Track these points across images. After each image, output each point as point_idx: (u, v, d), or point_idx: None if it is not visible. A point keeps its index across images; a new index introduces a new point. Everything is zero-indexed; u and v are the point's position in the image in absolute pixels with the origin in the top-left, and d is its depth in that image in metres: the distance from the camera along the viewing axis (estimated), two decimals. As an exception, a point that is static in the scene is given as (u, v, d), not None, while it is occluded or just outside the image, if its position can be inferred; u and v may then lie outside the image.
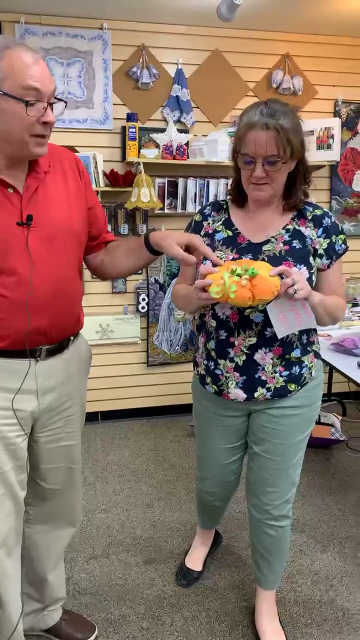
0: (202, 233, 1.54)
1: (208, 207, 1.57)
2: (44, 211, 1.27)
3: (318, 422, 2.96)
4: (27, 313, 1.24)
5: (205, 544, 2.06)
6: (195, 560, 2.02)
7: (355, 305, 3.03)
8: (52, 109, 1.19)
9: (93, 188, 3.06)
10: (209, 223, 1.54)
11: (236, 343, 1.45)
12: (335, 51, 3.24)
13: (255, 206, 1.48)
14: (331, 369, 3.15)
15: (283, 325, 1.36)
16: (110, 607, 1.87)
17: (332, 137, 3.10)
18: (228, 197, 1.57)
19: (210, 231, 1.52)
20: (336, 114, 3.31)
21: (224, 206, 1.56)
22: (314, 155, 3.17)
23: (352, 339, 2.36)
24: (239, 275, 1.27)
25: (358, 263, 3.52)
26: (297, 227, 1.46)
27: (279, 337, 1.39)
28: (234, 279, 1.27)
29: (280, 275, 1.30)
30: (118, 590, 1.95)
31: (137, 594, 1.93)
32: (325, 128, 3.11)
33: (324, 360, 2.32)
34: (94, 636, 1.72)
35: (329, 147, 3.12)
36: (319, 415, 2.99)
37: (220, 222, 1.52)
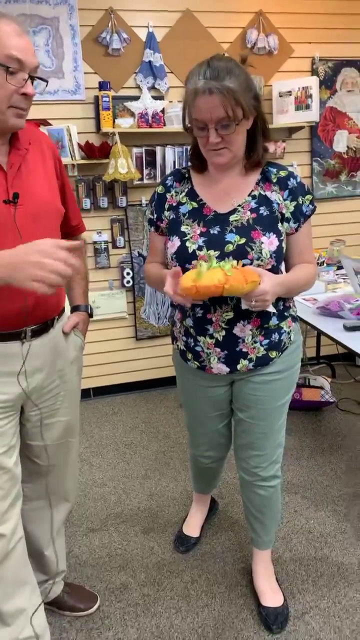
0: (167, 206, 1.49)
1: (170, 178, 1.51)
2: (28, 189, 1.26)
3: (308, 385, 2.99)
4: (24, 292, 1.24)
5: (201, 510, 2.10)
6: (192, 527, 2.07)
7: (340, 267, 3.03)
8: (32, 83, 1.19)
9: (69, 161, 3.00)
10: (172, 195, 1.48)
11: (214, 319, 1.43)
12: (310, 6, 3.14)
13: (216, 171, 1.44)
14: (319, 333, 3.17)
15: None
16: (111, 576, 1.91)
17: (311, 96, 3.03)
18: (189, 163, 1.51)
19: (174, 204, 1.47)
20: (314, 72, 3.24)
21: (186, 175, 1.50)
22: (292, 117, 3.11)
23: (338, 301, 2.36)
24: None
25: (341, 225, 3.52)
26: (262, 192, 1.42)
27: (243, 308, 1.38)
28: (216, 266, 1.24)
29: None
30: (118, 560, 1.99)
31: (137, 563, 1.97)
32: (303, 88, 3.04)
33: (310, 325, 2.33)
34: (96, 606, 1.76)
35: (307, 107, 3.06)
36: (309, 378, 3.02)
37: (184, 194, 1.47)
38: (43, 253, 1.06)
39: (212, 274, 1.21)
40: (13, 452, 1.35)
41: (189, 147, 1.40)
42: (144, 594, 1.83)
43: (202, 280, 1.21)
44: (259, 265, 1.36)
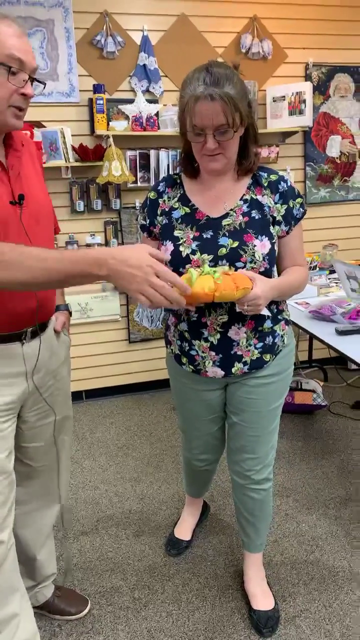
0: (159, 211, 1.49)
1: (162, 184, 1.52)
2: (28, 190, 1.27)
3: (300, 389, 3.00)
4: (36, 293, 1.26)
5: (193, 514, 2.10)
6: (184, 531, 2.06)
7: (332, 272, 3.04)
8: (31, 84, 1.20)
9: (62, 163, 3.01)
10: (164, 200, 1.49)
11: (208, 323, 1.44)
12: (304, 12, 3.17)
13: (209, 176, 1.44)
14: (311, 337, 3.18)
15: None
16: (102, 580, 1.90)
17: (304, 102, 3.06)
18: (180, 168, 1.51)
19: (166, 209, 1.48)
20: (307, 77, 3.26)
21: (178, 180, 1.51)
22: (286, 122, 3.13)
23: (330, 305, 2.37)
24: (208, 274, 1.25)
25: (334, 229, 3.54)
26: (254, 196, 1.43)
27: (237, 311, 1.38)
28: (208, 272, 1.25)
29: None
30: (109, 563, 1.98)
31: (128, 566, 1.96)
32: (297, 93, 3.06)
33: (302, 329, 2.33)
34: (86, 609, 1.75)
35: (301, 112, 3.08)
36: (301, 382, 3.03)
37: (176, 199, 1.47)
38: (154, 270, 1.02)
39: (202, 282, 1.22)
40: (12, 456, 1.35)
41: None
42: (134, 597, 1.82)
43: (192, 288, 1.22)
44: (252, 268, 1.37)
